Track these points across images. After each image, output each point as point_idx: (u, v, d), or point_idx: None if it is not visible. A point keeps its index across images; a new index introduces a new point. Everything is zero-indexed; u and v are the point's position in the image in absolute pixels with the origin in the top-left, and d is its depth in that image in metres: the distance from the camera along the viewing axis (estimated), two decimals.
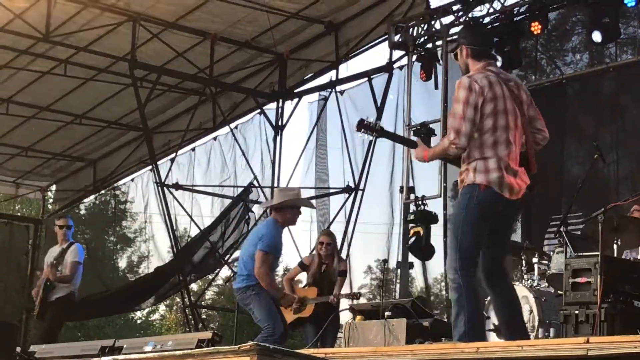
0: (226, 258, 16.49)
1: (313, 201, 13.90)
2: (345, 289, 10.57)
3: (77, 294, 11.42)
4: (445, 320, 12.08)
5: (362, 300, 12.42)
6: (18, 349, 6.96)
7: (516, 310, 6.12)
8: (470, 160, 5.93)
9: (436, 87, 12.53)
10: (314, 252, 10.73)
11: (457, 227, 6.01)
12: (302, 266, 10.79)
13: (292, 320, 10.46)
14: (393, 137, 7.30)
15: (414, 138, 6.91)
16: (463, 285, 5.89)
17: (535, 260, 8.76)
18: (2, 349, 7.11)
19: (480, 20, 11.78)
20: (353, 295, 10.31)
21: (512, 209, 6.06)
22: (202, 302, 21.82)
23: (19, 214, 26.83)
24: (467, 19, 11.84)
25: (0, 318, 15.88)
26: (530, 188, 6.09)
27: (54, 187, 20.05)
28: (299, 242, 15.98)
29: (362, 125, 6.46)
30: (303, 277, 11.02)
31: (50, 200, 20.68)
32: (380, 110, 14.38)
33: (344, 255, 13.94)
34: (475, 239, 5.96)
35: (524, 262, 8.76)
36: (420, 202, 11.94)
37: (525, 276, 8.67)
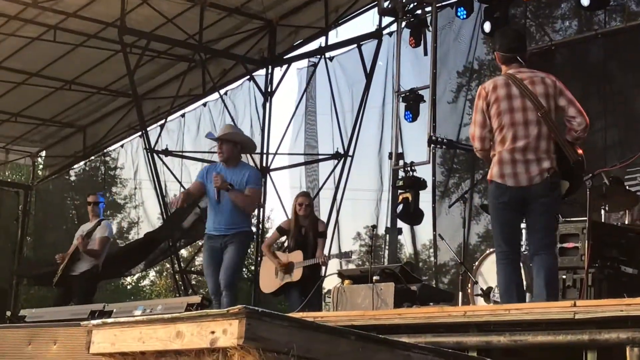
0: None
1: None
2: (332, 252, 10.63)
3: (101, 268, 11.54)
4: (434, 285, 12.21)
5: (351, 266, 12.49)
6: (8, 313, 7.01)
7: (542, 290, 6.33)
8: (491, 159, 6.51)
9: (425, 54, 12.50)
10: (292, 214, 10.70)
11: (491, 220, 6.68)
12: (281, 231, 10.76)
13: (279, 287, 10.49)
14: (465, 147, 7.80)
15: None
16: (496, 262, 6.47)
17: (522, 225, 8.79)
18: None
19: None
20: (344, 255, 10.35)
21: (527, 194, 6.36)
22: (192, 268, 21.82)
23: (8, 179, 26.76)
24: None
25: None
26: (552, 171, 6.37)
27: (43, 153, 20.04)
28: (288, 208, 16.04)
29: (432, 141, 7.05)
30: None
31: (40, 166, 20.66)
32: (369, 76, 14.39)
33: (332, 221, 14.01)
34: (498, 226, 6.52)
35: None
36: (409, 168, 11.95)
37: None
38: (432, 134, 7.38)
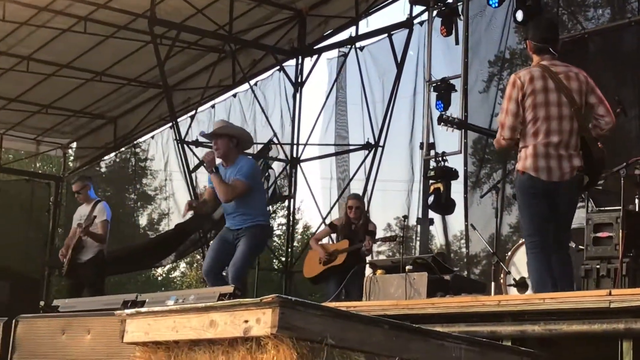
0: None
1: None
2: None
3: (106, 251, 11.44)
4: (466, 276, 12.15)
5: (382, 257, 12.48)
6: (41, 303, 7.04)
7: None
8: (518, 151, 6.50)
9: (457, 43, 12.45)
10: (344, 215, 10.87)
11: (519, 210, 6.69)
12: (333, 227, 10.97)
13: (321, 272, 10.54)
14: (477, 129, 7.65)
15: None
16: (527, 253, 6.44)
17: None
18: (27, 303, 7.20)
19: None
20: (389, 238, 10.36)
21: (556, 189, 6.42)
22: None
23: (39, 171, 26.91)
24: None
25: (23, 274, 15.99)
26: (581, 170, 6.46)
27: (74, 145, 20.12)
28: (318, 199, 16.05)
29: (442, 119, 7.14)
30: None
31: (71, 158, 20.75)
32: (400, 66, 14.33)
33: None
34: (529, 216, 6.50)
35: None
36: (440, 159, 11.92)
37: None
38: (443, 112, 7.38)
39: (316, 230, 16.54)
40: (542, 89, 6.40)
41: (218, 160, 8.61)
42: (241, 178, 8.42)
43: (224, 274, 8.62)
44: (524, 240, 6.86)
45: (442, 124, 7.31)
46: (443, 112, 7.26)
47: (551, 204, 6.46)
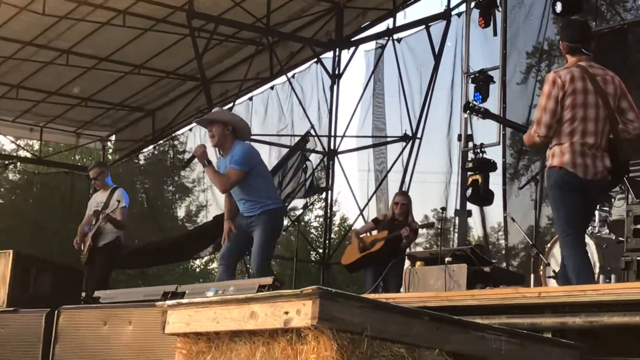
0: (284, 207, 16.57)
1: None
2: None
3: (123, 239, 11.38)
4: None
5: (419, 249, 12.47)
6: (83, 294, 7.10)
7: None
8: (550, 147, 6.55)
9: (495, 34, 12.40)
10: (390, 211, 10.86)
11: (552, 205, 6.69)
12: (376, 222, 10.97)
13: (358, 258, 10.54)
14: (502, 120, 7.66)
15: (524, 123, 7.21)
16: (564, 247, 6.48)
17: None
18: (69, 293, 7.26)
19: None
20: (427, 225, 10.33)
21: (588, 187, 6.52)
22: None
23: (79, 164, 27.07)
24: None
25: (63, 266, 16.09)
26: (610, 171, 6.58)
27: (113, 137, 20.24)
28: (355, 191, 16.06)
29: (468, 107, 7.14)
30: None
31: (110, 150, 20.87)
32: (437, 58, 14.30)
33: None
34: (566, 211, 6.53)
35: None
36: (478, 150, 11.88)
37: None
38: (468, 100, 7.49)
39: (353, 222, 16.56)
40: (582, 89, 6.48)
41: (210, 151, 8.51)
42: (234, 166, 8.19)
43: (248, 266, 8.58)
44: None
45: (467, 111, 7.33)
46: (469, 101, 7.28)
47: (583, 201, 6.55)
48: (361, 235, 10.94)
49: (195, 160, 8.55)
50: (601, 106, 6.49)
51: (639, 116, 6.61)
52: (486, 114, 7.41)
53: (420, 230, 11.20)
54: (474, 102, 7.15)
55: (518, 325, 5.14)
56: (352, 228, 11.74)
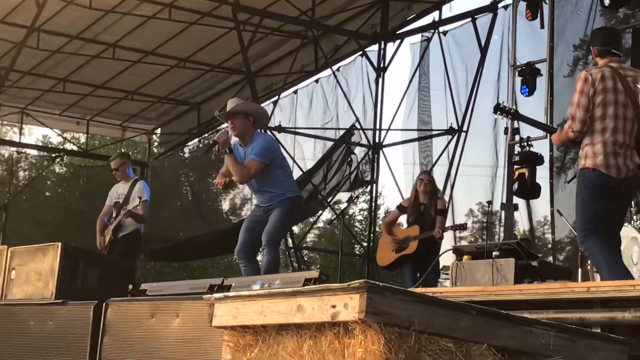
0: (328, 200, 16.57)
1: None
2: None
3: (142, 231, 11.33)
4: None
5: (464, 242, 12.39)
6: (130, 286, 7.13)
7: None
8: (582, 146, 6.68)
9: (542, 27, 12.31)
10: (412, 191, 10.74)
11: (578, 206, 6.74)
12: (401, 209, 10.79)
13: (395, 260, 10.51)
14: (527, 120, 7.95)
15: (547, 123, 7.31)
16: (588, 249, 6.58)
17: None
18: (117, 286, 7.29)
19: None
20: (459, 227, 10.27)
21: (620, 186, 6.64)
22: (304, 245, 21.94)
23: None
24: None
25: (110, 259, 16.22)
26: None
27: (159, 131, 20.36)
28: (401, 184, 16.02)
29: (498, 109, 7.32)
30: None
31: (156, 143, 20.99)
32: (484, 50, 14.21)
33: (446, 197, 13.89)
34: (591, 214, 6.61)
35: (633, 203, 8.64)
36: (525, 143, 11.80)
37: (634, 217, 8.56)
38: (499, 101, 7.75)
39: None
40: (612, 88, 6.61)
41: (234, 139, 8.43)
42: (255, 158, 8.18)
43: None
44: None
45: (497, 112, 7.43)
46: (499, 102, 7.47)
47: (614, 202, 6.67)
48: (391, 227, 10.83)
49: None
50: (629, 106, 6.64)
51: None
52: (515, 116, 7.63)
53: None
54: (504, 104, 7.32)
55: (566, 320, 5.10)
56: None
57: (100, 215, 11.46)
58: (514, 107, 12.22)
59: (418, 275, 10.04)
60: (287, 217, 8.39)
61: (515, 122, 12.45)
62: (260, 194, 8.39)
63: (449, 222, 11.57)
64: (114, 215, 11.15)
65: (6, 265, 7.88)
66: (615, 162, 6.59)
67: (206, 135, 19.67)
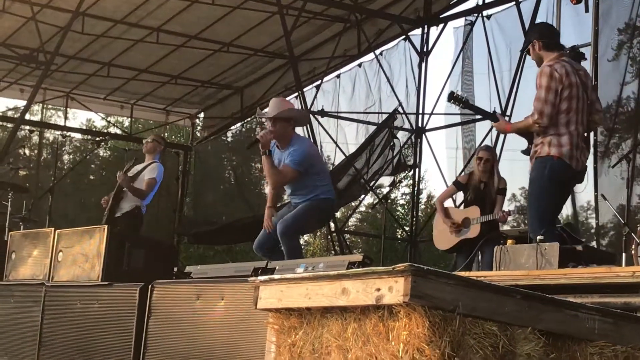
0: (371, 184, 16.58)
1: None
2: None
3: (145, 210, 11.20)
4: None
5: (506, 227, 12.29)
6: (175, 269, 7.20)
7: None
8: (545, 135, 6.92)
9: (586, 10, 12.20)
10: (472, 170, 10.46)
11: (535, 193, 7.06)
12: (458, 185, 10.39)
13: (456, 244, 10.13)
14: (476, 109, 8.29)
15: (493, 111, 7.93)
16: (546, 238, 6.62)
17: None
18: (162, 268, 7.36)
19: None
20: (507, 213, 9.93)
21: (575, 177, 7.13)
22: (346, 229, 21.96)
23: (168, 140, 27.38)
24: None
25: (155, 242, 16.34)
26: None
27: (202, 115, 20.45)
28: (443, 168, 15.99)
29: (452, 97, 7.52)
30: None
31: (199, 127, 21.09)
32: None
33: None
34: (551, 201, 7.04)
35: None
36: None
37: None
38: (453, 90, 8.00)
39: None
40: (575, 83, 6.92)
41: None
42: (291, 165, 8.02)
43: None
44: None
45: (451, 101, 7.59)
46: (453, 91, 7.62)
47: (563, 194, 7.20)
48: (446, 206, 10.47)
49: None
50: (585, 99, 7.00)
51: (601, 107, 7.30)
52: (467, 105, 7.77)
53: (508, 208, 10.68)
54: (457, 93, 7.54)
55: (611, 305, 5.08)
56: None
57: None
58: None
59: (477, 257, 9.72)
60: (312, 212, 8.18)
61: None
62: (293, 196, 8.30)
63: None
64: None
65: (53, 247, 7.98)
66: (576, 155, 6.92)
67: (249, 119, 19.73)
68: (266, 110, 8.35)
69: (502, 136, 14.41)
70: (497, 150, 14.32)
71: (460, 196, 11.19)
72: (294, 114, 8.37)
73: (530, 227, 7.02)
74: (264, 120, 8.44)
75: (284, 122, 8.09)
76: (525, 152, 7.35)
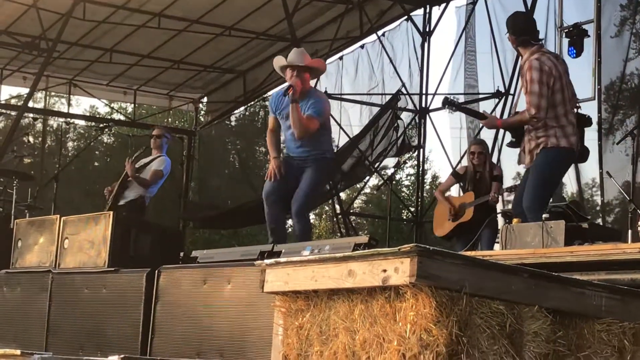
0: (375, 166, 16.57)
1: None
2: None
3: (149, 201, 11.18)
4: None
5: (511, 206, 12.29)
6: (181, 254, 7.22)
7: None
8: (547, 128, 7.10)
9: None
10: (467, 162, 10.68)
11: (542, 181, 7.17)
12: (456, 176, 10.72)
13: (452, 229, 10.41)
14: (467, 110, 9.12)
15: (482, 111, 8.26)
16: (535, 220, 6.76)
17: None
18: (169, 253, 7.38)
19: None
20: (512, 188, 10.14)
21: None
22: (351, 210, 21.95)
23: (172, 125, 27.40)
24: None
25: (161, 227, 16.37)
26: None
27: (205, 99, 20.43)
28: (448, 149, 15.99)
29: (446, 102, 7.76)
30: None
31: (202, 112, 21.07)
32: (530, 12, 14.06)
33: (494, 160, 13.83)
34: (549, 194, 7.35)
35: None
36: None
37: None
38: (447, 96, 8.09)
39: None
40: (563, 72, 7.15)
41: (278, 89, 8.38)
42: (314, 115, 8.01)
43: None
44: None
45: (446, 107, 7.83)
46: (447, 97, 7.83)
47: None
48: (446, 194, 10.78)
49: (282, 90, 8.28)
50: (570, 87, 7.26)
51: None
52: (458, 107, 8.12)
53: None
54: (451, 98, 7.80)
55: (618, 282, 5.09)
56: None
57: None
58: None
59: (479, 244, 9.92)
60: (320, 181, 8.33)
61: None
62: (296, 147, 8.18)
63: None
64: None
65: (59, 234, 8.00)
66: (575, 142, 7.23)
67: (252, 103, 19.71)
68: (290, 59, 8.19)
69: (505, 116, 14.36)
70: (501, 130, 14.31)
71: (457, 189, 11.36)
72: (321, 65, 8.48)
73: (531, 212, 7.05)
74: (279, 70, 8.31)
75: (308, 72, 8.13)
76: (511, 144, 7.50)
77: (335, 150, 16.32)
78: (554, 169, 7.21)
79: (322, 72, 8.85)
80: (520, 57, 13.51)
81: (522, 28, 7.37)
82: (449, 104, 7.72)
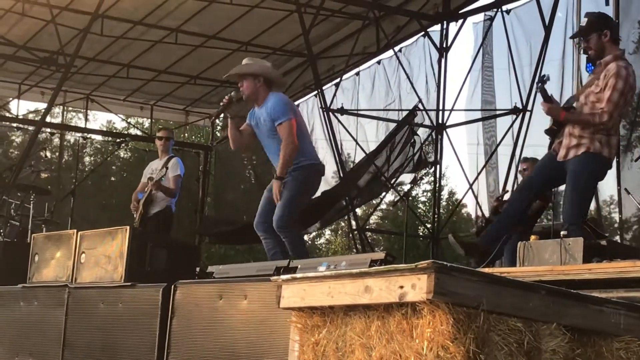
0: (392, 182, 16.55)
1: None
2: None
3: (175, 208, 11.30)
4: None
5: None
6: (197, 269, 7.21)
7: None
8: (595, 131, 6.76)
9: (607, 4, 12.16)
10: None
11: (582, 186, 6.88)
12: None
13: None
14: (543, 91, 8.13)
15: (550, 95, 7.25)
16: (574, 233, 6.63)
17: None
18: (185, 268, 7.36)
19: None
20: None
21: None
22: (367, 226, 21.93)
23: (188, 141, 27.46)
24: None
25: (178, 242, 16.38)
26: None
27: (222, 115, 20.42)
28: (465, 165, 15.96)
29: (543, 78, 7.25)
30: None
31: (219, 127, 21.10)
32: (548, 29, 14.02)
33: (512, 177, 13.79)
34: (591, 196, 7.22)
35: None
36: None
37: None
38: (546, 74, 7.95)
39: (462, 197, 16.45)
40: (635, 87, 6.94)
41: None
42: (283, 120, 7.76)
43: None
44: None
45: (539, 84, 7.31)
46: (544, 74, 7.41)
47: None
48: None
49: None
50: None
51: None
52: (543, 85, 7.29)
53: None
54: (547, 76, 7.29)
55: (637, 299, 5.04)
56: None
57: (135, 191, 11.40)
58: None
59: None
60: (297, 191, 7.83)
61: None
62: (275, 158, 7.97)
63: None
64: (146, 190, 11.12)
65: (76, 249, 8.00)
66: (614, 156, 7.02)
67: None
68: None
69: (522, 132, 14.36)
70: (519, 147, 14.28)
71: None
72: (259, 69, 8.05)
73: (568, 216, 6.91)
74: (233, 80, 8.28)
75: (250, 79, 7.96)
76: (550, 132, 7.17)
77: (351, 167, 16.42)
78: (591, 176, 6.94)
79: (262, 73, 8.07)
80: (538, 66, 13.59)
81: (614, 26, 7.06)
82: (542, 81, 7.25)
